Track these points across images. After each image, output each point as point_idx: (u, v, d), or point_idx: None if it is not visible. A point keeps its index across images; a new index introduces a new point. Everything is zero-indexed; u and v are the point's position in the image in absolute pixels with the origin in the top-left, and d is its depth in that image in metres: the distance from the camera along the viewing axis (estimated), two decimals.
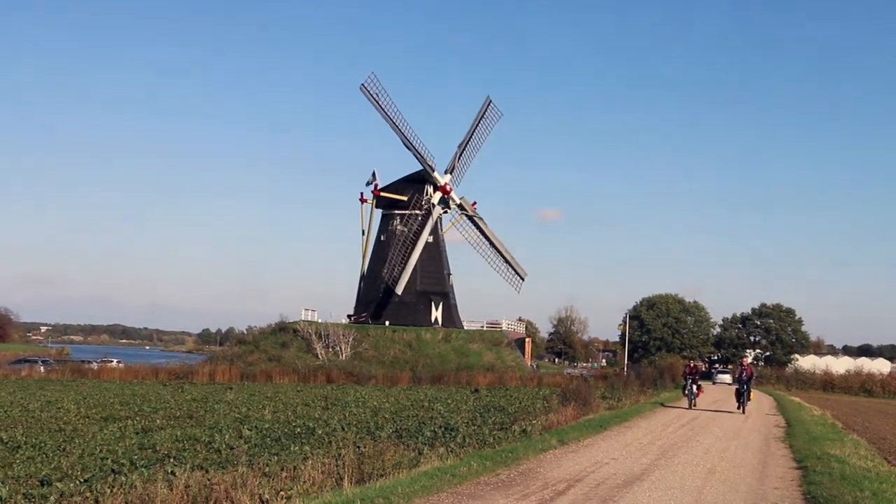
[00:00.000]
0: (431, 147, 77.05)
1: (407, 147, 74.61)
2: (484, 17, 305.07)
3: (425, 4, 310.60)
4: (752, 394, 36.48)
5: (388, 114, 73.05)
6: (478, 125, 77.64)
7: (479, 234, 79.52)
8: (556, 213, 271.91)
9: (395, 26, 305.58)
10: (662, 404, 39.65)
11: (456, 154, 77.47)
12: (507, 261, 79.95)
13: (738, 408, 35.50)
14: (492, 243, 79.65)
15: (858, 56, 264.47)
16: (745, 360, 39.48)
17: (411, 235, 75.83)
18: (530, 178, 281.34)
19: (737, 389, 36.49)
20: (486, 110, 77.85)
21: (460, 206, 78.64)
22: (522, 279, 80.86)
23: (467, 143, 77.37)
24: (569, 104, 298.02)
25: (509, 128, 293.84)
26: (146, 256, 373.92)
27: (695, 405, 37.39)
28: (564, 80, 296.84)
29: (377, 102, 72.35)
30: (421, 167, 76.58)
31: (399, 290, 73.65)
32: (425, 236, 76.21)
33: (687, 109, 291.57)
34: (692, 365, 39.60)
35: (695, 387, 37.68)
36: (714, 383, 78.95)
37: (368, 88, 72.05)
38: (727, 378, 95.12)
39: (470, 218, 78.93)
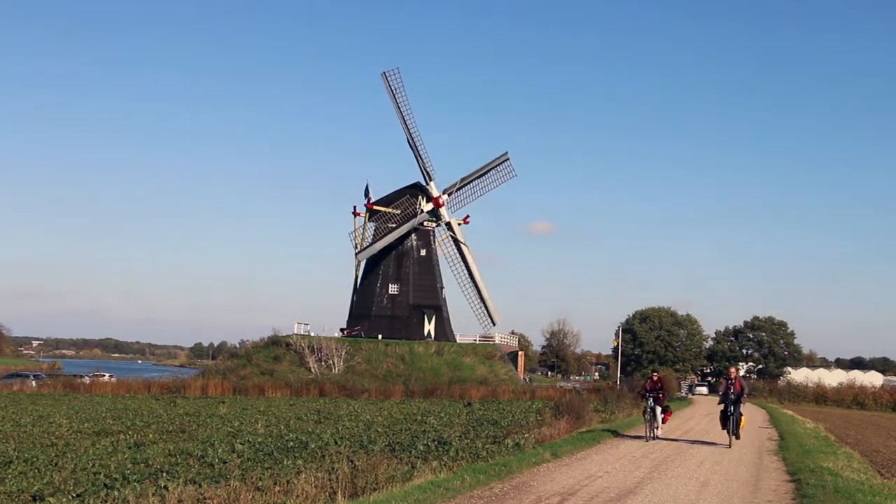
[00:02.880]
0: (436, 155, 77.51)
1: (410, 146, 75.40)
2: (479, 35, 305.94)
3: (417, 19, 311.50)
4: (743, 417, 26.29)
5: (402, 111, 74.05)
6: (487, 172, 78.12)
7: (460, 260, 79.34)
8: (548, 227, 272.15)
9: (391, 40, 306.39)
10: (615, 432, 29.12)
11: (456, 184, 77.83)
12: (482, 299, 79.26)
13: (730, 434, 25.87)
14: (471, 275, 79.21)
15: (855, 69, 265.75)
16: (732, 370, 27.21)
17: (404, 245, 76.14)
18: (522, 192, 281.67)
19: (722, 411, 26.12)
20: (500, 163, 78.26)
21: (448, 226, 78.66)
22: (493, 323, 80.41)
23: (471, 181, 77.74)
24: (560, 118, 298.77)
25: (500, 141, 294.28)
26: (138, 270, 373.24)
27: (656, 435, 27.55)
28: (555, 94, 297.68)
29: (393, 95, 73.53)
30: (417, 174, 77.27)
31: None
32: (406, 227, 76.53)
33: (679, 123, 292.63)
34: (654, 378, 28.40)
35: (657, 409, 27.78)
36: (692, 395, 79.08)
37: (389, 79, 73.60)
38: (704, 390, 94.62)
39: (455, 241, 78.85)
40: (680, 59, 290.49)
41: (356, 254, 77.53)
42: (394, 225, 77.17)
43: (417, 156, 75.73)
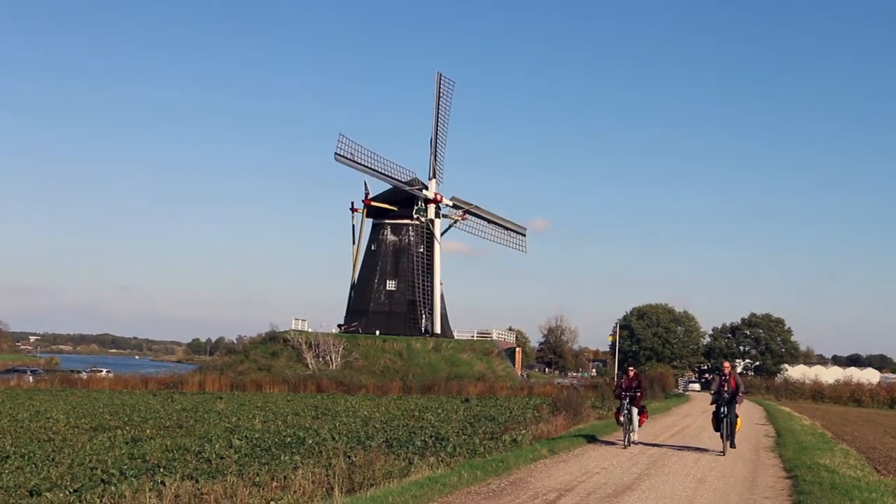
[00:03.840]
0: (412, 152, 78.12)
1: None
2: (476, 23, 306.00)
3: (417, 16, 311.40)
4: (739, 420, 23.43)
5: (369, 166, 74.27)
6: (439, 105, 77.76)
7: (478, 221, 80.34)
8: (544, 224, 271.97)
9: (385, 32, 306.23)
10: (592, 437, 25.26)
11: (431, 151, 77.80)
12: (506, 228, 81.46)
13: (724, 438, 22.75)
14: (490, 221, 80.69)
15: (853, 67, 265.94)
16: (727, 365, 23.71)
17: (411, 251, 76.28)
18: (518, 189, 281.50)
19: (714, 412, 23.04)
20: (440, 87, 77.95)
21: (455, 206, 78.83)
22: (523, 235, 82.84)
23: (436, 133, 77.56)
24: (557, 115, 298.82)
25: (497, 139, 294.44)
26: (136, 266, 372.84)
27: (632, 440, 23.80)
28: (552, 89, 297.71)
29: (354, 163, 73.29)
30: (418, 170, 78.31)
31: (437, 328, 75.99)
32: (438, 256, 77.67)
33: (676, 120, 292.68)
34: (630, 374, 24.66)
35: (634, 411, 23.91)
36: (687, 392, 79.17)
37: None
38: (696, 387, 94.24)
39: (467, 212, 79.14)
40: (678, 55, 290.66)
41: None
42: (391, 221, 77.18)
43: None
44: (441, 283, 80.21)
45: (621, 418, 24.01)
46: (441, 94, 75.99)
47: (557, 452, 20.83)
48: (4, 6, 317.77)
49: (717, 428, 22.94)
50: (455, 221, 79.33)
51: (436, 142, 76.50)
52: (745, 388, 23.27)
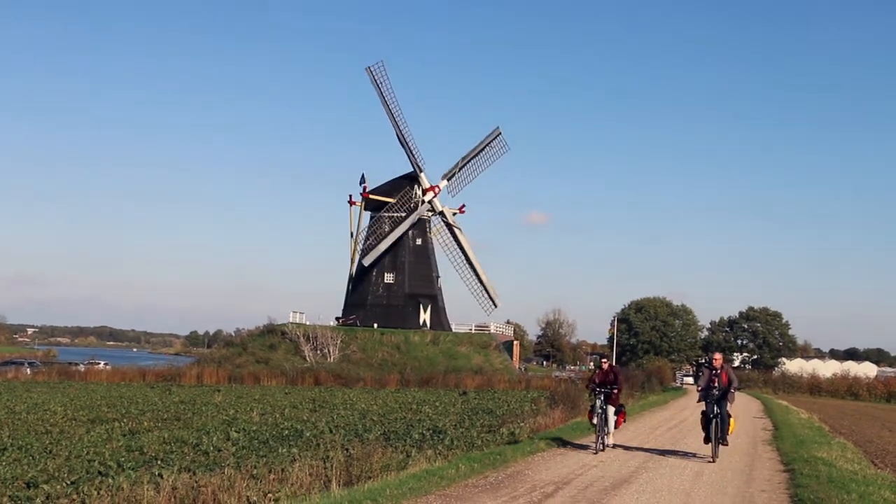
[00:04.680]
0: (427, 147, 77.73)
1: (400, 142, 75.51)
2: (481, 23, 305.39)
3: (416, 8, 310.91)
4: (732, 420, 19.78)
5: (388, 104, 73.71)
6: (481, 151, 78.16)
7: (456, 246, 79.44)
8: (543, 217, 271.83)
9: (388, 28, 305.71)
10: (562, 441, 21.59)
11: (458, 164, 77.94)
12: (481, 283, 79.41)
13: (714, 442, 19.18)
14: (468, 260, 79.33)
15: (853, 64, 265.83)
16: (717, 357, 20.13)
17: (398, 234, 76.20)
18: (517, 183, 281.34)
19: (703, 412, 19.59)
20: (493, 139, 78.37)
21: (441, 214, 78.61)
22: (495, 306, 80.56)
23: (468, 161, 77.77)
24: (556, 109, 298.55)
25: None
26: (134, 259, 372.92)
27: (607, 444, 20.43)
28: (553, 85, 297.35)
29: (379, 89, 73.19)
30: (409, 165, 77.20)
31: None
32: (406, 225, 76.28)
33: (675, 114, 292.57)
34: (605, 366, 20.86)
35: (609, 410, 20.48)
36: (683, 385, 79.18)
37: (374, 73, 73.14)
38: (689, 380, 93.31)
39: (449, 227, 78.83)
40: (677, 50, 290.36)
41: (360, 258, 77.54)
42: (390, 214, 77.14)
43: (407, 149, 75.90)
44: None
45: (595, 419, 20.29)
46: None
47: (555, 446, 20.83)
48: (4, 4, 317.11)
49: (705, 427, 19.45)
50: (454, 213, 79.32)
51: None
52: (738, 385, 19.87)
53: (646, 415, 34.69)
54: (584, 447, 20.45)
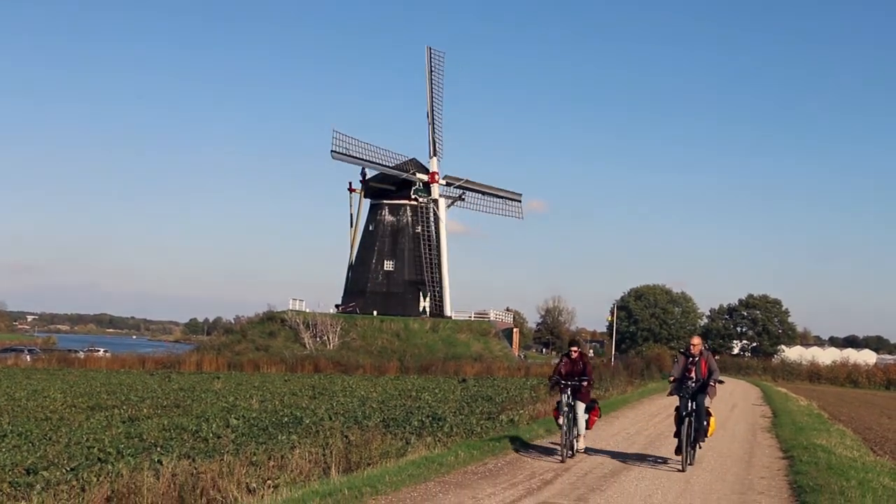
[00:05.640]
0: (406, 131, 78.76)
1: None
2: (475, 4, 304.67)
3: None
4: (712, 419, 16.34)
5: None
6: (432, 80, 78.02)
7: (473, 194, 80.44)
8: (541, 205, 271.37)
9: (389, 16, 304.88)
10: (521, 442, 18.08)
11: (428, 128, 78.16)
12: (501, 196, 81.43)
13: (685, 448, 15.57)
14: (484, 193, 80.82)
15: (852, 47, 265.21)
16: (695, 341, 16.71)
17: (409, 231, 76.46)
18: (515, 170, 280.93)
19: (678, 408, 15.99)
20: (430, 61, 78.35)
21: (448, 184, 78.74)
22: (519, 201, 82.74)
23: (431, 106, 77.64)
24: (555, 95, 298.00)
25: (495, 119, 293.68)
26: (133, 246, 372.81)
27: (577, 449, 17.03)
28: (550, 70, 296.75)
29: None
30: (416, 149, 79.12)
31: (447, 311, 76.65)
32: (444, 234, 78.15)
33: (675, 101, 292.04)
34: (573, 355, 17.04)
35: (578, 407, 16.78)
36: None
37: (338, 150, 73.72)
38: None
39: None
40: (677, 33, 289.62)
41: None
42: (389, 201, 77.16)
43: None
44: (438, 264, 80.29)
45: (561, 419, 16.45)
46: (433, 69, 76.52)
47: (554, 432, 20.82)
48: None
49: (678, 433, 15.81)
50: (453, 201, 79.30)
51: (432, 117, 76.56)
52: (718, 376, 16.18)
53: (644, 402, 34.73)
54: (551, 451, 16.92)
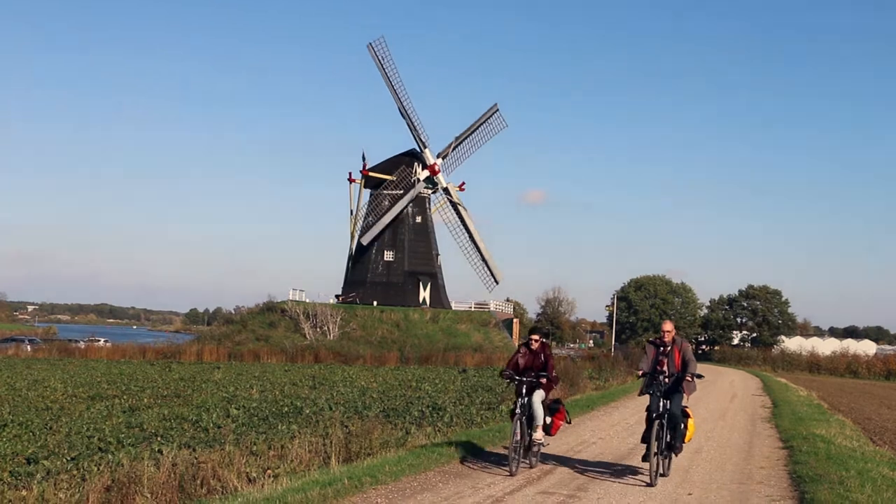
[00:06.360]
0: (429, 124, 77.59)
1: (402, 116, 74.95)
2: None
3: None
4: (690, 421, 13.91)
5: (390, 78, 73.42)
6: (479, 127, 77.67)
7: (460, 223, 79.00)
8: (542, 195, 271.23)
9: (386, 6, 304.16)
10: (472, 447, 15.54)
11: (451, 144, 77.28)
12: (483, 259, 79.06)
13: (653, 458, 12.97)
14: (472, 237, 78.98)
15: (854, 36, 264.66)
16: (667, 328, 13.86)
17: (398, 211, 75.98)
18: (515, 160, 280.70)
19: (648, 407, 13.46)
20: (490, 116, 77.89)
21: (446, 191, 78.47)
22: (496, 282, 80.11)
23: (465, 139, 77.24)
24: (554, 86, 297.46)
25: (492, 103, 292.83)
26: (134, 236, 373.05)
27: (532, 461, 14.09)
28: (551, 60, 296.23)
29: (381, 64, 72.71)
30: (412, 142, 76.96)
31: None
32: (405, 202, 76.10)
33: (675, 91, 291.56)
34: (534, 344, 14.29)
35: (536, 408, 13.82)
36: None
37: (376, 49, 72.58)
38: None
39: (454, 205, 78.70)
40: (678, 22, 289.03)
41: (359, 237, 77.38)
42: (389, 192, 77.04)
43: (410, 125, 75.43)
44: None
45: (515, 423, 13.57)
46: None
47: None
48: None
49: (646, 439, 13.34)
50: (451, 200, 79.06)
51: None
52: (694, 370, 13.46)
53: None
54: (503, 463, 14.01)
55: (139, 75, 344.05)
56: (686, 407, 13.75)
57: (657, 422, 13.12)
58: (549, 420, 14.24)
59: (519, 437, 13.48)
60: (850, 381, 69.66)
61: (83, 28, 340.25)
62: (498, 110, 78.05)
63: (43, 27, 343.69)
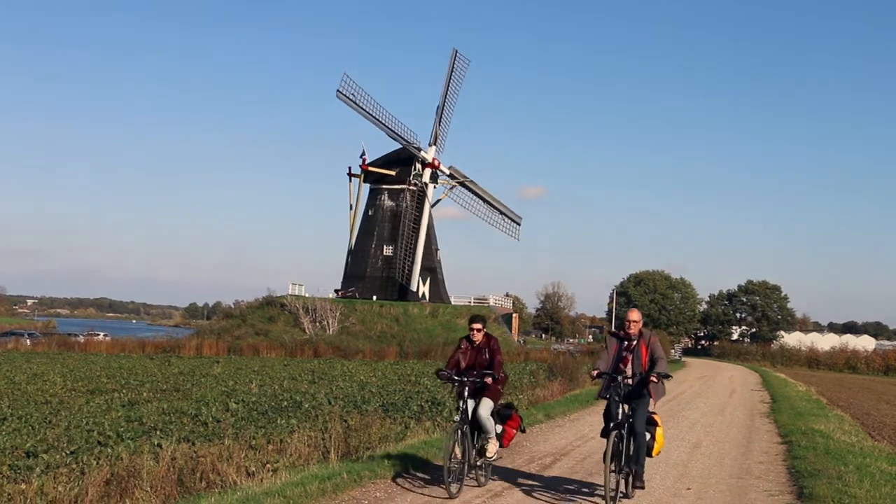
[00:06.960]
0: (412, 117, 77.28)
1: (393, 139, 75.31)
2: None
3: None
4: (659, 430, 11.24)
5: (369, 112, 72.89)
6: (450, 81, 77.31)
7: (472, 196, 79.54)
8: (540, 191, 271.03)
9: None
10: (419, 462, 13.26)
11: (435, 119, 77.04)
12: (501, 212, 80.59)
13: (610, 472, 10.48)
14: (485, 200, 79.94)
15: (856, 31, 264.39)
16: (632, 317, 11.31)
17: (406, 215, 75.87)
18: (514, 155, 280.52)
19: (605, 413, 10.96)
20: (454, 63, 77.49)
21: (451, 176, 78.50)
22: (518, 224, 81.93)
23: (444, 103, 76.90)
24: (551, 81, 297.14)
25: (492, 105, 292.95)
26: (133, 230, 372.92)
27: (480, 479, 11.87)
28: (550, 53, 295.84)
29: (356, 104, 71.80)
30: (420, 133, 77.32)
31: (413, 286, 74.84)
32: (426, 218, 76.50)
33: (673, 86, 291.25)
34: (478, 338, 12.31)
35: (483, 415, 11.43)
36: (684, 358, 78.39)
37: (344, 92, 71.32)
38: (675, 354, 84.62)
39: (461, 184, 78.79)
40: (677, 16, 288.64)
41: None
42: (389, 186, 77.00)
43: (403, 142, 75.59)
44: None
45: (453, 434, 11.26)
46: (454, 70, 75.73)
47: (553, 417, 20.91)
48: None
49: (605, 451, 10.71)
50: (452, 187, 79.10)
51: (442, 111, 75.86)
52: (665, 370, 11.00)
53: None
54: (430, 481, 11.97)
55: (138, 71, 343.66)
56: (653, 413, 11.26)
57: (614, 432, 10.60)
58: (500, 429, 11.77)
59: (459, 454, 11.03)
60: (848, 376, 69.74)
61: (84, 24, 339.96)
62: (457, 53, 77.68)
63: (42, 22, 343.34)
